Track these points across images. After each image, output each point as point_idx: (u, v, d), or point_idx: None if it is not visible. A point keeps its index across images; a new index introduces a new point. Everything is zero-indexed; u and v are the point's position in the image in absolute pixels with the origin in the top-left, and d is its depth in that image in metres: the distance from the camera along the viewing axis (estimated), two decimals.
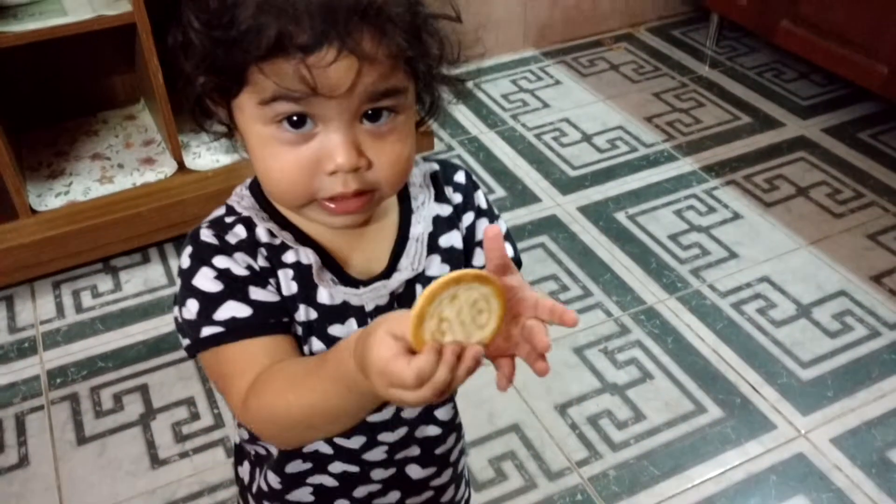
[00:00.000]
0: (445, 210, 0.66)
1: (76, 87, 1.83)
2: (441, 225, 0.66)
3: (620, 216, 1.81)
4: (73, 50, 1.69)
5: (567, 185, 1.91)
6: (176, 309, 0.61)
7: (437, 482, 0.74)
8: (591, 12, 2.49)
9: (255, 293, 0.59)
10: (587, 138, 2.07)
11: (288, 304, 0.61)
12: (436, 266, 0.65)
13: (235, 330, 0.58)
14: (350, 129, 0.54)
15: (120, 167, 1.70)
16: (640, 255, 1.70)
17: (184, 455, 1.33)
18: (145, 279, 1.65)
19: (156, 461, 1.32)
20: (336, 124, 0.53)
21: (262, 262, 0.60)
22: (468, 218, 0.68)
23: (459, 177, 0.68)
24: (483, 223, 0.68)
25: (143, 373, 1.47)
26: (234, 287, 0.58)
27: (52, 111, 1.83)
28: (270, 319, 0.59)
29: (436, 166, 0.68)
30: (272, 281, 0.60)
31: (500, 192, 1.89)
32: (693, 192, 1.88)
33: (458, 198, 0.67)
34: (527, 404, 1.40)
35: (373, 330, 0.47)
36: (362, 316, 0.63)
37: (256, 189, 0.63)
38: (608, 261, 1.69)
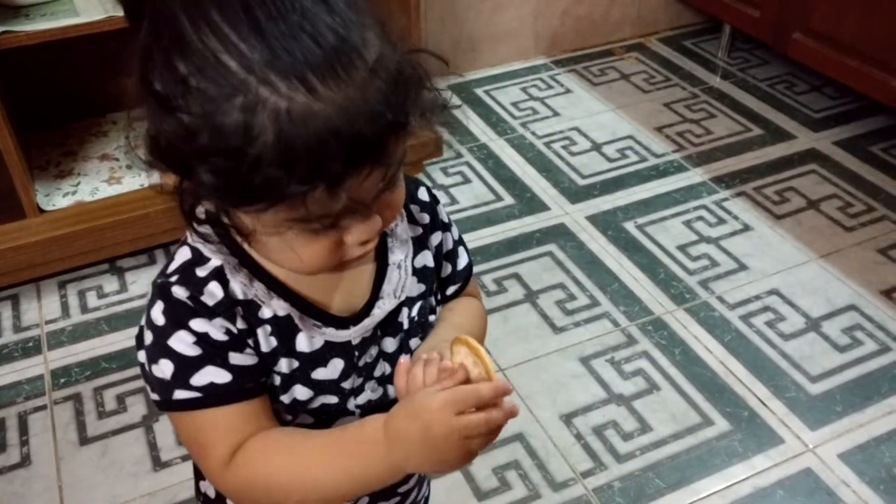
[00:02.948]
0: (416, 231, 0.66)
1: (86, 87, 1.84)
2: (414, 246, 0.65)
3: (629, 226, 1.80)
4: (83, 50, 1.69)
5: (576, 194, 1.90)
6: (142, 355, 0.59)
7: (404, 487, 0.74)
8: (603, 22, 2.49)
9: (234, 358, 0.57)
10: (597, 147, 2.06)
11: (267, 361, 0.59)
12: (413, 286, 0.65)
13: (214, 396, 0.57)
14: (372, 211, 0.52)
15: (128, 168, 1.70)
16: (648, 266, 1.69)
17: (186, 458, 1.32)
18: (151, 280, 1.65)
19: (158, 463, 1.31)
20: (366, 211, 0.51)
21: (240, 324, 0.58)
22: (436, 238, 0.68)
23: (423, 194, 0.67)
24: (448, 237, 0.69)
25: None
26: (212, 352, 0.56)
27: (61, 111, 1.84)
28: (249, 384, 0.58)
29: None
30: (251, 341, 0.58)
31: (508, 199, 1.88)
32: (703, 203, 1.87)
33: (425, 217, 0.67)
34: (532, 413, 1.39)
35: (418, 404, 0.53)
36: (348, 351, 0.62)
37: (218, 225, 0.57)
38: (616, 270, 1.68)
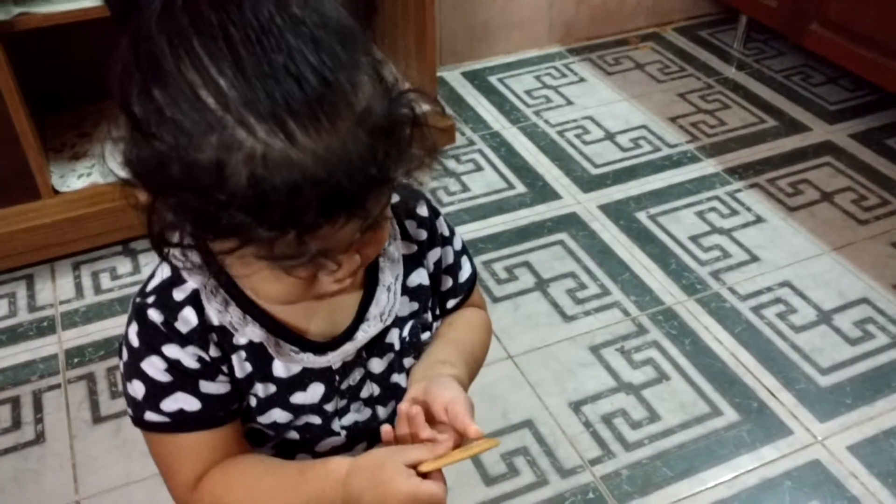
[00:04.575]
0: (411, 248, 0.63)
1: (102, 69, 1.84)
2: (407, 264, 0.62)
3: (641, 216, 1.80)
4: (100, 32, 1.69)
5: (588, 183, 1.90)
6: (121, 366, 0.59)
7: None
8: (618, 11, 2.47)
9: (206, 386, 0.57)
10: (610, 137, 2.06)
11: (242, 386, 0.58)
12: (404, 305, 0.63)
13: (182, 423, 0.57)
14: (348, 247, 0.49)
15: None
16: (659, 256, 1.69)
17: None
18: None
19: None
20: (337, 256, 0.49)
21: (213, 351, 0.57)
22: (434, 254, 0.65)
23: (422, 210, 0.64)
24: (448, 251, 0.66)
25: None
26: (183, 380, 0.56)
27: (77, 93, 1.84)
28: (219, 412, 0.58)
29: (395, 197, 0.60)
30: (224, 367, 0.57)
31: (520, 188, 1.88)
32: (716, 193, 1.86)
33: (422, 234, 0.63)
34: (541, 401, 1.39)
35: (378, 463, 0.53)
36: (329, 376, 0.60)
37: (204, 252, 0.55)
38: (627, 260, 1.68)
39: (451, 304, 0.68)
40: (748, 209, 1.82)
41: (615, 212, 1.81)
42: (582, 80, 2.29)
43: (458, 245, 0.67)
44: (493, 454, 1.30)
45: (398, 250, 0.62)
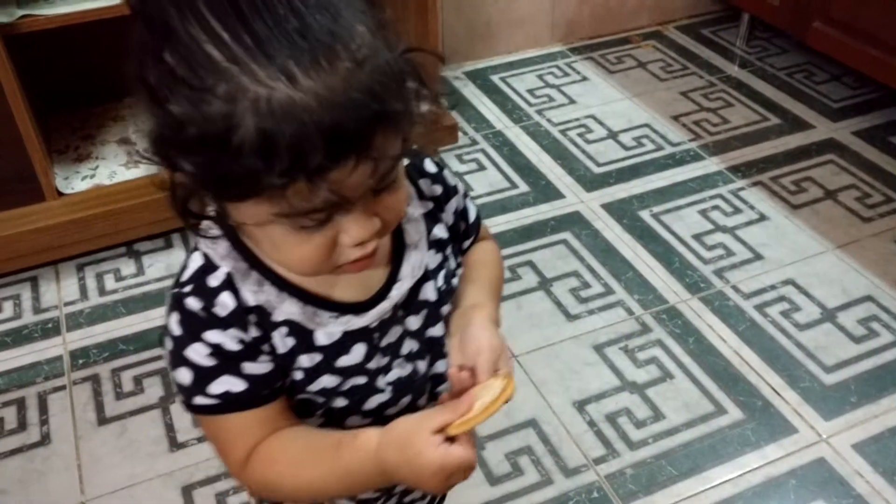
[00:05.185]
0: (427, 206, 0.66)
1: (105, 71, 1.85)
2: (427, 221, 0.66)
3: (644, 214, 1.80)
4: (103, 34, 1.69)
5: (591, 182, 1.90)
6: (166, 357, 0.61)
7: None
8: (620, 9, 2.47)
9: (248, 367, 0.59)
10: (613, 135, 2.06)
11: (286, 362, 0.60)
12: (432, 258, 0.66)
13: (230, 404, 0.59)
14: (365, 207, 0.51)
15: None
16: (663, 254, 1.69)
17: (202, 439, 1.33)
18: (168, 264, 1.66)
19: (174, 444, 1.33)
20: (352, 208, 0.51)
21: (253, 331, 0.58)
22: (451, 207, 0.69)
23: (430, 166, 0.67)
24: (458, 197, 0.70)
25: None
26: (227, 363, 0.58)
27: (80, 95, 1.85)
28: (264, 391, 0.60)
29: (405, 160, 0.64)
30: (265, 347, 0.59)
31: (523, 187, 1.88)
32: (719, 192, 1.86)
33: (437, 189, 0.67)
34: (545, 400, 1.39)
35: (405, 436, 0.56)
36: (368, 336, 0.63)
37: (228, 228, 0.58)
38: (631, 259, 1.68)
39: (466, 244, 0.73)
40: (751, 207, 1.81)
41: (618, 210, 1.81)
42: (584, 78, 2.29)
43: (461, 190, 0.71)
44: (497, 454, 1.30)
45: (417, 209, 0.65)
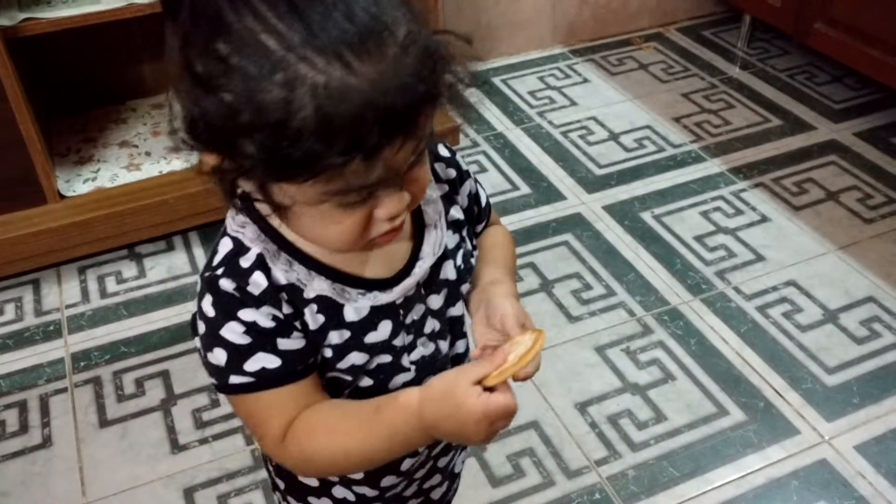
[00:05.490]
0: (443, 188, 0.69)
1: (107, 74, 1.85)
2: (444, 203, 0.68)
3: (646, 216, 1.80)
4: (104, 38, 1.70)
5: (593, 184, 1.90)
6: (198, 342, 0.62)
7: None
8: (621, 11, 2.47)
9: (283, 343, 0.60)
10: (614, 137, 2.06)
11: (317, 338, 0.62)
12: (450, 238, 0.68)
13: (265, 380, 0.61)
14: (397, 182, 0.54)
15: (147, 155, 1.72)
16: (664, 256, 1.69)
17: (203, 441, 1.33)
18: (169, 266, 1.67)
19: (176, 446, 1.33)
20: (399, 182, 0.54)
21: (286, 308, 0.60)
22: (465, 190, 0.71)
23: (443, 150, 0.70)
24: (470, 181, 0.73)
25: (165, 359, 1.48)
26: (262, 340, 0.60)
27: (81, 98, 1.85)
28: (298, 366, 0.62)
29: None
30: (298, 324, 0.61)
31: (524, 189, 1.88)
32: (720, 193, 1.86)
33: (451, 173, 0.70)
34: (546, 401, 1.39)
35: (446, 389, 0.58)
36: (394, 312, 0.65)
37: (253, 213, 0.60)
38: (632, 260, 1.68)
39: (479, 227, 0.76)
40: (753, 209, 1.81)
41: (620, 212, 1.81)
42: (586, 80, 2.29)
43: (472, 174, 0.73)
44: (499, 455, 1.30)
45: (434, 191, 0.67)
